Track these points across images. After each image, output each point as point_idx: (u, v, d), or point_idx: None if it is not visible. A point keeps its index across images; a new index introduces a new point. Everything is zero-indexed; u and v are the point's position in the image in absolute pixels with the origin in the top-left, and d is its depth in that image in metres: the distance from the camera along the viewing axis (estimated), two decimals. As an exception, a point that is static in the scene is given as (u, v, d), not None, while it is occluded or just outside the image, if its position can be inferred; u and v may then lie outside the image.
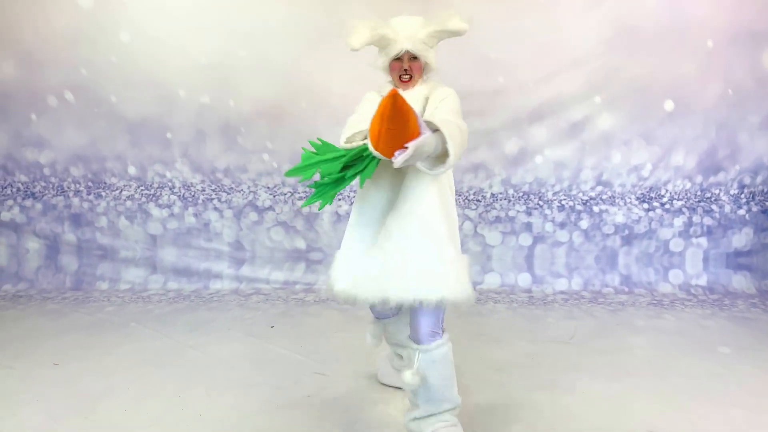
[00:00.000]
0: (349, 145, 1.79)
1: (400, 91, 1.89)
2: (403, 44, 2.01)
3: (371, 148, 1.64)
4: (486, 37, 4.08)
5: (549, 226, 4.47)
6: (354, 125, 1.95)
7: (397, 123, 1.53)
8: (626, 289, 4.41)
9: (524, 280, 4.47)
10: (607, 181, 4.42)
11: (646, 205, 4.45)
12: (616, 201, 4.43)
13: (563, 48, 4.18)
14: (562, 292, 4.37)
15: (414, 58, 2.06)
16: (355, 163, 1.76)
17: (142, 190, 4.44)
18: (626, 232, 4.48)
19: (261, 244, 4.48)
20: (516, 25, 4.16)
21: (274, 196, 4.44)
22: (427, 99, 2.08)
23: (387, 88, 2.01)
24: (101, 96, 4.25)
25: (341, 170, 1.74)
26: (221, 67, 4.19)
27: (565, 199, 4.44)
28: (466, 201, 4.47)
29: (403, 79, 2.08)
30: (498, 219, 4.46)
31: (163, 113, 4.27)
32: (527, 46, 4.19)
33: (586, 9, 4.16)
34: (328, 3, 4.10)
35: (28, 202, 4.46)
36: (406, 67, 2.07)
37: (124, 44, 4.17)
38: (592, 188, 4.43)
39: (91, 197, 4.46)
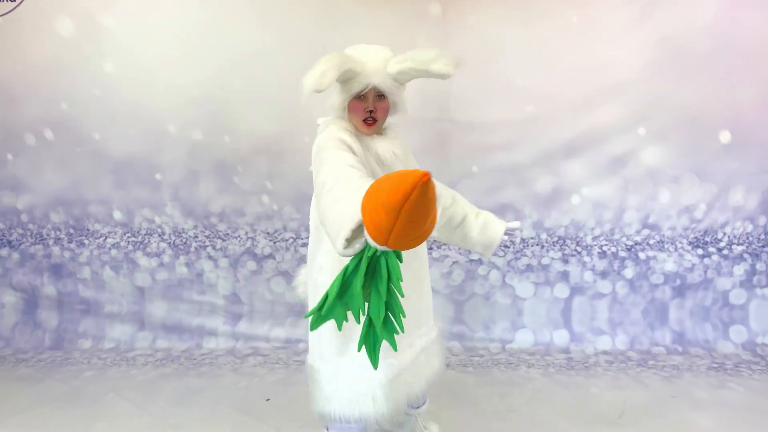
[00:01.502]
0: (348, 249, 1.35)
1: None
2: (369, 78, 1.74)
3: (370, 240, 1.22)
4: (512, 61, 3.77)
5: (588, 276, 4.07)
6: (356, 176, 1.50)
7: (421, 216, 1.14)
8: (680, 349, 3.95)
9: (561, 337, 4.05)
10: (654, 224, 4.01)
11: (700, 251, 4.02)
12: (666, 246, 4.02)
13: (602, 72, 3.81)
14: (605, 353, 3.93)
15: (380, 96, 1.82)
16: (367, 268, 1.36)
17: (128, 237, 4.14)
18: (678, 281, 4.05)
19: (260, 297, 4.15)
20: (547, 48, 3.80)
21: (275, 243, 4.11)
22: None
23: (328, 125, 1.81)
24: (83, 133, 3.97)
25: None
26: (215, 99, 3.90)
27: (606, 245, 4.04)
28: None
29: (368, 123, 1.82)
30: (529, 267, 4.08)
31: (151, 151, 3.99)
32: (560, 71, 3.82)
33: (628, 28, 3.78)
34: (331, 23, 3.78)
35: (4, 251, 4.18)
36: (372, 108, 1.80)
37: (108, 75, 3.89)
38: (638, 232, 4.03)
39: (72, 245, 4.17)
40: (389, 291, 1.31)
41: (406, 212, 1.09)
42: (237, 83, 3.88)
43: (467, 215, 2.20)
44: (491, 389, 3.32)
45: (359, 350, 1.39)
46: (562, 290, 4.09)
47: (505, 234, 2.21)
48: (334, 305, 1.37)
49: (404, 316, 1.35)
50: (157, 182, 4.04)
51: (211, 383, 3.45)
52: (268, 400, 3.19)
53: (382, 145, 1.86)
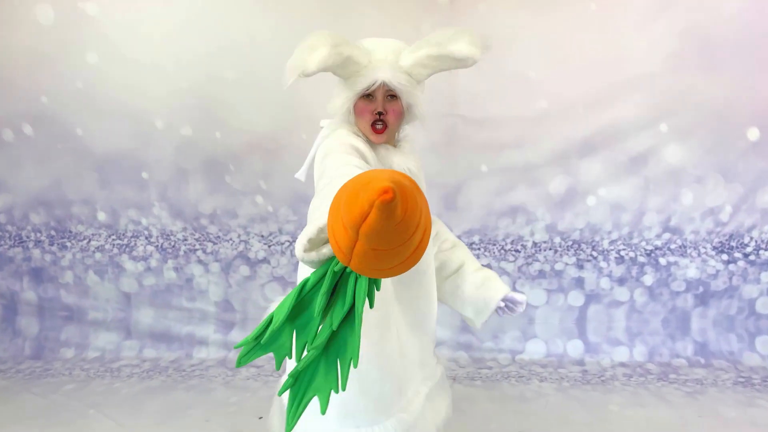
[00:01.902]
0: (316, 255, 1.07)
1: (402, 168, 1.49)
2: (377, 73, 1.50)
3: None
4: (525, 52, 3.61)
5: (605, 282, 3.89)
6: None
7: (389, 243, 0.90)
8: (702, 361, 3.76)
9: (575, 348, 3.87)
10: (676, 227, 3.83)
11: (725, 257, 3.83)
12: (688, 251, 3.84)
13: (621, 65, 3.64)
14: (622, 365, 3.74)
15: (392, 96, 1.56)
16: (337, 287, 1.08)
17: (113, 239, 3.98)
18: (701, 289, 3.87)
19: (254, 304, 3.97)
20: (562, 38, 3.63)
21: (270, 247, 3.95)
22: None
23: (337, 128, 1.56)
24: (65, 129, 3.81)
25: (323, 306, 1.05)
26: (205, 92, 3.74)
27: (624, 249, 3.87)
28: (502, 251, 3.91)
29: (376, 128, 1.57)
30: (542, 273, 3.90)
31: (137, 148, 3.83)
32: (576, 63, 3.65)
33: (650, 17, 3.60)
34: (332, 11, 3.60)
35: (-19, 255, 4.02)
36: (381, 110, 1.55)
37: (92, 67, 3.72)
38: (658, 236, 3.85)
39: (54, 248, 3.99)
40: (348, 321, 1.04)
41: (364, 235, 0.86)
42: (229, 75, 3.73)
43: (465, 265, 1.89)
44: (501, 405, 3.13)
45: (280, 394, 1.14)
46: (576, 298, 3.92)
47: (505, 303, 1.82)
48: (280, 332, 1.07)
49: (355, 365, 1.06)
50: (143, 181, 3.89)
51: (200, 398, 3.26)
52: (260, 418, 2.98)
53: (396, 159, 1.60)
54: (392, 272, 0.95)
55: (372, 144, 1.60)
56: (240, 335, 3.94)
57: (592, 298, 3.91)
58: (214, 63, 3.71)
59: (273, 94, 3.66)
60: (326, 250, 1.01)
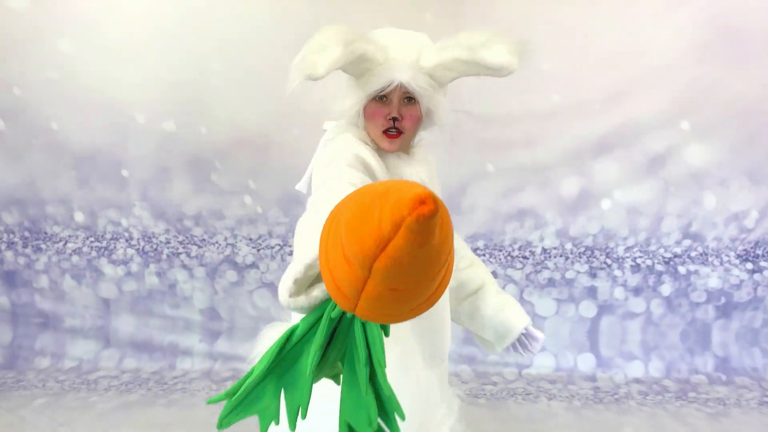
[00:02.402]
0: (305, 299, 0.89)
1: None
2: (394, 73, 1.35)
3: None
4: (537, 42, 3.29)
5: (619, 292, 3.73)
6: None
7: (415, 278, 0.72)
8: (723, 378, 3.58)
9: (586, 362, 3.70)
10: (697, 234, 3.66)
11: (750, 265, 3.66)
12: (710, 259, 3.67)
13: (640, 56, 3.47)
14: (637, 381, 3.56)
15: (410, 99, 1.40)
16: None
17: (91, 242, 3.81)
18: (723, 300, 3.70)
19: (242, 312, 3.82)
20: (577, 26, 3.45)
21: (259, 251, 3.78)
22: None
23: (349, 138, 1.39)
24: (39, 122, 3.63)
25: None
26: (190, 85, 3.58)
27: (641, 257, 3.70)
28: (509, 258, 3.73)
29: (390, 134, 1.41)
30: (551, 282, 3.73)
31: (116, 144, 3.66)
32: (592, 54, 3.48)
33: (673, 4, 3.42)
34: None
35: (-49, 257, 3.86)
36: (396, 115, 1.39)
37: (67, 56, 3.53)
38: (678, 242, 3.68)
39: (28, 251, 3.82)
40: (376, 381, 0.86)
41: (382, 271, 0.69)
42: (216, 65, 3.57)
43: (486, 286, 1.72)
44: (507, 426, 2.95)
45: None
46: (588, 308, 3.76)
47: (524, 335, 1.68)
48: (263, 391, 0.93)
49: (402, 418, 0.88)
50: (123, 179, 3.73)
51: (181, 415, 3.07)
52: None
53: (407, 170, 1.44)
54: (410, 315, 0.79)
55: (382, 152, 1.44)
56: (227, 345, 3.77)
57: (605, 308, 3.76)
58: (199, 52, 3.55)
59: (263, 86, 3.53)
60: (318, 292, 0.87)
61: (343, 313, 0.85)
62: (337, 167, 1.26)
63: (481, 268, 1.78)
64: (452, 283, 1.62)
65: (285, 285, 0.86)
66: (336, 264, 0.74)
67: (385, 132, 1.40)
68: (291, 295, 0.86)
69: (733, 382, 3.50)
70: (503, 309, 1.69)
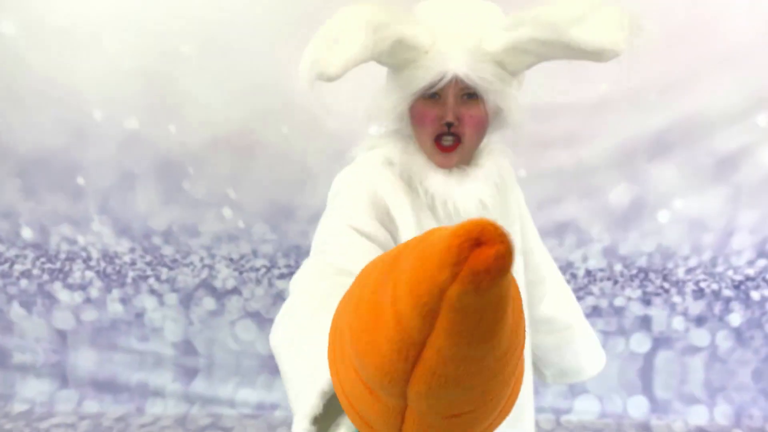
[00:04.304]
0: None
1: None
2: (447, 63, 1.06)
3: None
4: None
5: (679, 323, 3.30)
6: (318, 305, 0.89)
7: (481, 387, 0.49)
8: None
9: (638, 407, 3.31)
10: None
11: None
12: None
13: (706, 39, 3.01)
14: (700, 430, 3.16)
15: (471, 95, 1.10)
16: None
17: (42, 263, 3.45)
18: None
19: (222, 346, 3.46)
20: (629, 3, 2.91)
21: (241, 273, 3.39)
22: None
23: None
24: None
25: None
26: (157, 74, 3.21)
27: (705, 280, 3.28)
28: None
29: (443, 145, 1.13)
30: (597, 311, 3.32)
31: (70, 146, 3.31)
32: (647, 33, 2.90)
33: None
34: None
35: None
36: (451, 119, 1.09)
37: (9, 39, 3.16)
38: (750, 263, 3.23)
39: None
40: None
41: (425, 394, 0.48)
42: (187, 50, 3.19)
43: (575, 326, 1.56)
44: None
45: None
46: (641, 342, 3.35)
47: None
48: None
49: None
50: (79, 189, 3.37)
51: None
52: None
53: (458, 189, 1.14)
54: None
55: (424, 169, 1.16)
56: (205, 384, 3.40)
57: (661, 342, 3.36)
58: (167, 35, 3.18)
59: (244, 74, 3.21)
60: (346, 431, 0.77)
61: None
62: (338, 224, 1.06)
63: (566, 294, 1.62)
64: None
65: (302, 427, 0.72)
66: (355, 394, 0.56)
67: (437, 142, 1.13)
68: None
69: (819, 433, 3.05)
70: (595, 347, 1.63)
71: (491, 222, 0.41)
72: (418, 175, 1.15)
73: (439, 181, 1.15)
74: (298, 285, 0.96)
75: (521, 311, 0.52)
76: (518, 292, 0.51)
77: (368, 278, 0.53)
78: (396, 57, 1.08)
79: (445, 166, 1.15)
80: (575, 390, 3.30)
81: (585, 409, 3.29)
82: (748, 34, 2.97)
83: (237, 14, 3.13)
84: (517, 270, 1.32)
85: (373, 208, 1.09)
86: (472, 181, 1.16)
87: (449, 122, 1.10)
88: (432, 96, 1.11)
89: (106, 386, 3.43)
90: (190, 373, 3.45)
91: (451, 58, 1.07)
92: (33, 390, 3.41)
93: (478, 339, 0.45)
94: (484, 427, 0.57)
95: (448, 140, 1.13)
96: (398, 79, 1.12)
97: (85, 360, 3.46)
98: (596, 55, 1.01)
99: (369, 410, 0.56)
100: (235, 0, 3.12)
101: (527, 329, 1.31)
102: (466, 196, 1.14)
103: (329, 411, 0.74)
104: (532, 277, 1.42)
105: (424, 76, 1.08)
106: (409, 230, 1.10)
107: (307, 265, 1.01)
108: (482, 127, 1.14)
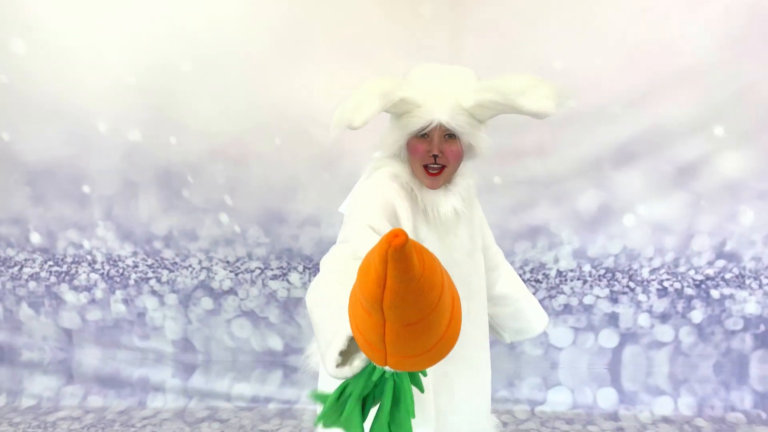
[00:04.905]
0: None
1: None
2: (434, 114, 1.51)
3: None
4: (548, 37, 3.22)
5: (644, 319, 3.46)
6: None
7: (417, 305, 0.86)
8: (764, 416, 3.31)
9: (607, 399, 3.45)
10: (732, 253, 3.38)
11: None
12: (747, 282, 3.39)
13: (667, 53, 3.21)
14: (665, 420, 3.30)
15: (451, 136, 1.56)
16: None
17: (50, 266, 3.58)
18: (762, 328, 3.42)
19: (219, 344, 3.60)
20: (593, 19, 3.20)
21: (237, 275, 3.54)
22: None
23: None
24: None
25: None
26: (158, 89, 3.37)
27: (668, 279, 3.44)
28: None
29: (431, 171, 1.57)
30: (568, 308, 3.48)
31: (76, 156, 3.46)
32: (612, 52, 3.21)
33: None
34: None
35: None
36: (437, 153, 1.55)
37: (19, 57, 3.33)
38: (710, 263, 3.40)
39: None
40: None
41: (389, 307, 0.84)
42: (186, 67, 3.35)
43: (520, 299, 2.03)
44: None
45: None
46: (609, 338, 3.50)
47: None
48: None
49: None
50: (84, 196, 3.52)
51: None
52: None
53: (444, 200, 1.59)
54: (432, 356, 0.93)
55: (420, 186, 1.61)
56: (202, 379, 3.56)
57: (628, 338, 3.51)
58: (167, 53, 3.35)
59: (239, 90, 3.37)
60: (359, 362, 1.04)
61: (382, 375, 1.02)
62: (360, 222, 1.44)
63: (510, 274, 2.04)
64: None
65: (331, 357, 1.03)
66: (360, 319, 0.91)
67: (426, 169, 1.54)
68: (338, 366, 1.03)
69: (775, 422, 3.24)
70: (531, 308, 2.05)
71: (399, 228, 0.81)
72: (416, 189, 1.58)
73: (429, 195, 1.59)
74: (326, 264, 1.33)
75: (433, 263, 0.86)
76: (430, 254, 0.88)
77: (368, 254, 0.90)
78: (398, 109, 1.49)
79: (433, 187, 1.57)
80: (549, 383, 3.45)
81: (558, 400, 3.44)
82: (705, 52, 3.16)
83: (232, 34, 3.29)
84: (479, 262, 1.70)
85: (384, 210, 1.47)
86: (451, 195, 1.58)
87: (435, 155, 1.52)
88: (423, 135, 1.53)
89: (109, 382, 3.57)
90: (188, 369, 3.59)
91: (437, 110, 1.48)
92: (40, 386, 3.56)
93: (405, 271, 0.80)
94: (431, 341, 0.90)
95: (434, 168, 1.54)
96: (399, 123, 1.53)
97: (89, 357, 3.61)
98: (535, 115, 1.43)
99: (367, 327, 0.89)
100: (230, 21, 3.27)
101: (486, 302, 1.78)
102: (446, 206, 1.57)
103: (348, 351, 1.04)
104: (489, 265, 1.79)
105: (417, 122, 1.50)
106: (408, 225, 1.49)
107: (333, 250, 1.38)
108: (459, 158, 1.55)
